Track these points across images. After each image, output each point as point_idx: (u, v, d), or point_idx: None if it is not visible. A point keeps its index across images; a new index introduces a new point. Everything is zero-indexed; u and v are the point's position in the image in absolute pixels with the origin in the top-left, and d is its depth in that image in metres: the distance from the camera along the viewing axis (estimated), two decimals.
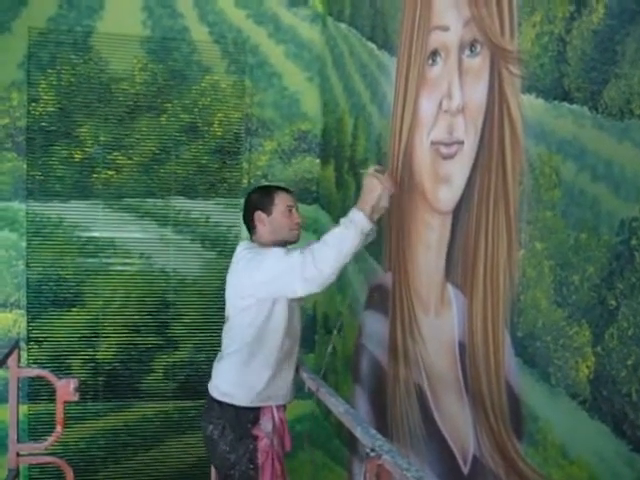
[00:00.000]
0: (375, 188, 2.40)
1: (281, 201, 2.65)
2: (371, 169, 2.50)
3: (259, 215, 2.63)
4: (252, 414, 2.57)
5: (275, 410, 2.61)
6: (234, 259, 2.66)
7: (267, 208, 2.63)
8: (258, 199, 2.67)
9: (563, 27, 1.75)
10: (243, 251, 2.62)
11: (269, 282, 2.46)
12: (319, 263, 2.34)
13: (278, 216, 2.63)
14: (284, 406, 2.69)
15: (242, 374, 2.57)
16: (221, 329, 2.72)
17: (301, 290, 2.42)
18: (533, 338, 1.85)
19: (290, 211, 2.65)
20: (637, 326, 1.48)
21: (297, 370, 2.71)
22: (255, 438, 2.56)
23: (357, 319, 3.32)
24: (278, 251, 2.48)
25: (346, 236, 2.35)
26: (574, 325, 1.68)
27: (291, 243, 2.62)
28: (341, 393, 2.86)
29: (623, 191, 1.52)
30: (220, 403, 2.59)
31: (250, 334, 2.54)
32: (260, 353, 2.55)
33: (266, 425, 2.58)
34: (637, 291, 1.47)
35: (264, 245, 2.59)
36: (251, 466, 2.55)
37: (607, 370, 1.57)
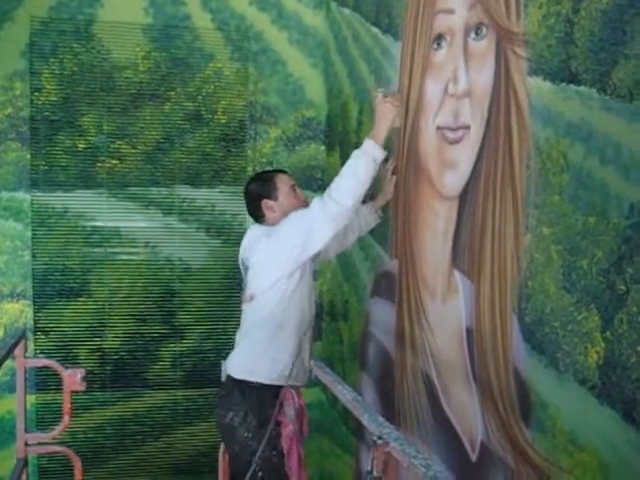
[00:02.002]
0: (389, 112, 2.48)
1: (283, 183, 2.64)
2: (379, 95, 2.52)
3: (266, 203, 2.62)
4: (274, 399, 2.53)
5: (295, 395, 2.61)
6: (250, 239, 2.64)
7: (272, 194, 2.62)
8: (260, 188, 2.65)
9: (570, 8, 1.72)
10: (261, 230, 2.61)
11: (298, 237, 2.45)
12: (338, 197, 2.40)
13: (285, 199, 2.62)
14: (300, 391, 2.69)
15: (269, 349, 2.55)
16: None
17: (328, 229, 2.43)
18: (541, 324, 1.83)
19: (294, 190, 2.64)
20: None
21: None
22: (278, 424, 2.55)
23: (364, 307, 3.31)
24: (296, 211, 2.51)
25: (358, 165, 2.42)
26: (583, 310, 1.66)
27: None
28: (348, 381, 2.86)
29: (633, 174, 1.50)
30: (241, 389, 2.55)
31: (279, 309, 2.54)
32: (287, 328, 2.55)
33: (289, 411, 2.58)
34: None
35: None
36: (274, 452, 2.53)
37: (616, 355, 1.55)
